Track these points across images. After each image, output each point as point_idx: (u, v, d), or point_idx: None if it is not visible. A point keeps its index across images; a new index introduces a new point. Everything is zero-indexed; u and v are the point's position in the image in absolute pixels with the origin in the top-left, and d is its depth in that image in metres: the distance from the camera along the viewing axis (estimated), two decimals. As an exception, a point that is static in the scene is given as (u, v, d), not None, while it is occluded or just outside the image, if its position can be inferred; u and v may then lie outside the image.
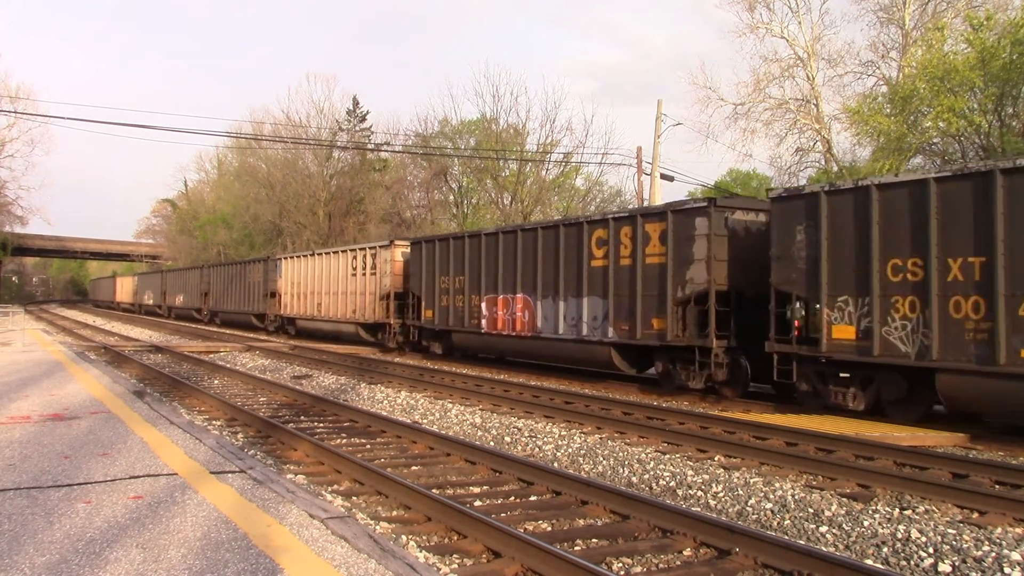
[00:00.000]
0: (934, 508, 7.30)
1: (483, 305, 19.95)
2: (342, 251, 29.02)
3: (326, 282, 29.68)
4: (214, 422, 11.55)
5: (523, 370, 19.96)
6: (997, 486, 8.17)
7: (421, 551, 5.86)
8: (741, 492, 7.91)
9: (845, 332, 11.85)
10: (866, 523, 6.81)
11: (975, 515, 7.09)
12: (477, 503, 7.32)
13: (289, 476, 7.93)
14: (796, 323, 12.90)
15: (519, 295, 18.66)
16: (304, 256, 32.78)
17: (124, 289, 67.17)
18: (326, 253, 30.64)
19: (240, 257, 53.76)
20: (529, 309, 18.29)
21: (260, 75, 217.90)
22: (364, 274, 26.77)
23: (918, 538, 6.40)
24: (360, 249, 27.54)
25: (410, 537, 6.19)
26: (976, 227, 10.37)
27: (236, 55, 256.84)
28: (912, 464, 9.02)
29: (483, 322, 19.98)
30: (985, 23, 23.15)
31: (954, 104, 22.14)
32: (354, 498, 7.43)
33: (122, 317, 55.29)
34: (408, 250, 24.80)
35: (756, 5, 34.20)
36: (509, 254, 19.20)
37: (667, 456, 9.59)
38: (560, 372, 18.85)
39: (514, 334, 18.86)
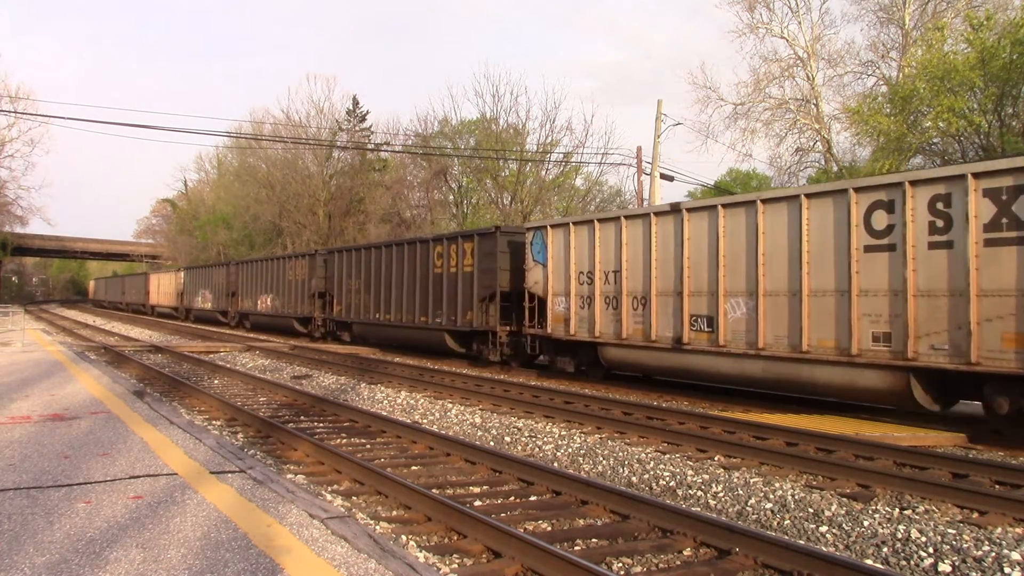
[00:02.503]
0: (934, 508, 7.30)
1: None
2: (814, 194, 12.59)
3: (740, 269, 13.62)
4: (214, 422, 11.55)
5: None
6: (997, 486, 8.17)
7: (421, 551, 5.86)
8: (741, 492, 7.91)
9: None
10: (866, 523, 6.81)
11: (975, 515, 7.09)
12: (477, 503, 7.32)
13: (289, 476, 7.93)
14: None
15: None
16: (631, 218, 16.23)
17: (163, 288, 55.57)
18: (733, 205, 14.05)
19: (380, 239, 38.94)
20: None
21: (260, 75, 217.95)
22: (938, 244, 10.83)
23: (918, 538, 6.40)
24: (919, 183, 11.15)
25: (410, 537, 6.19)
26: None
27: (236, 55, 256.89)
28: (912, 464, 9.02)
29: None
30: (985, 23, 23.16)
31: (954, 104, 22.15)
32: (354, 498, 7.43)
33: (122, 317, 55.07)
34: None
35: (756, 5, 34.26)
36: None
37: (667, 456, 9.59)
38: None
39: None
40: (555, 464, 9.40)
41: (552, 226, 18.32)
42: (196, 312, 47.21)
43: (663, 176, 31.87)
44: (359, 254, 27.89)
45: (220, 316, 42.60)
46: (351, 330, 28.53)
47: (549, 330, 18.08)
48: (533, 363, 20.09)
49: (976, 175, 10.52)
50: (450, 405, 13.66)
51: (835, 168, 31.83)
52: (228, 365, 20.34)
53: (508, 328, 19.89)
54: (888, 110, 25.63)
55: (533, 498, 7.61)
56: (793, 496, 7.67)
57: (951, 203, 10.78)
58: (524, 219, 38.09)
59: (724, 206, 14.11)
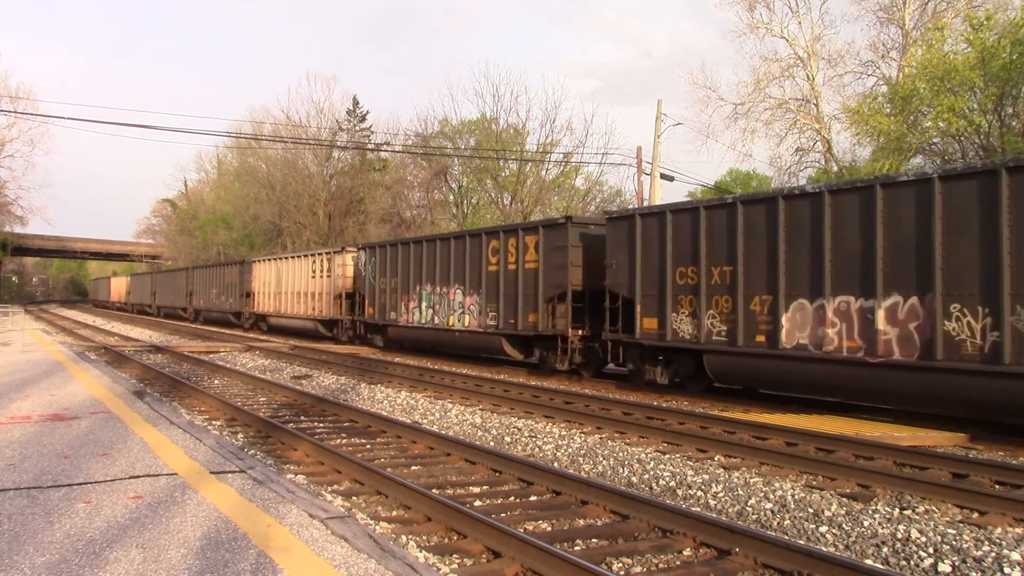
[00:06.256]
0: (934, 508, 7.30)
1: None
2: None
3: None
4: (214, 422, 11.55)
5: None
6: (997, 486, 8.17)
7: (421, 551, 5.86)
8: (741, 492, 7.91)
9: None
10: (866, 523, 6.82)
11: (975, 515, 7.09)
12: (477, 503, 7.32)
13: (289, 476, 7.93)
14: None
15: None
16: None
17: (300, 285, 31.58)
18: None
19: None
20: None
21: (260, 75, 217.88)
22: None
23: (918, 538, 6.40)
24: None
25: (410, 537, 6.19)
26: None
27: (236, 55, 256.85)
28: (912, 464, 9.02)
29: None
30: (985, 23, 23.15)
31: (954, 104, 22.14)
32: (354, 498, 7.43)
33: (121, 316, 54.84)
34: None
35: (756, 5, 34.26)
36: None
37: (667, 456, 9.59)
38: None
39: None
40: (555, 464, 9.40)
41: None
42: (432, 333, 22.96)
43: (663, 176, 31.90)
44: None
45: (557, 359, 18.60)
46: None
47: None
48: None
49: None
50: (450, 405, 13.66)
51: (835, 168, 31.82)
52: (228, 365, 20.34)
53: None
54: (888, 110, 25.63)
55: (533, 498, 7.61)
56: (793, 496, 7.67)
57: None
58: (524, 219, 38.12)
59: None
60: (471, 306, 20.89)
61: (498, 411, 13.07)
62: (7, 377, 13.55)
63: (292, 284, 32.90)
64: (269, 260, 36.21)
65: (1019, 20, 22.21)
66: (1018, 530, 6.67)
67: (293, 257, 33.83)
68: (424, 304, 23.21)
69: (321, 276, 30.39)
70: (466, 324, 21.10)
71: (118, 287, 69.92)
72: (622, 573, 5.70)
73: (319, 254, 31.12)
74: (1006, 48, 21.52)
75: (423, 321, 23.21)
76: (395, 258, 25.09)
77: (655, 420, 11.94)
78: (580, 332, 17.61)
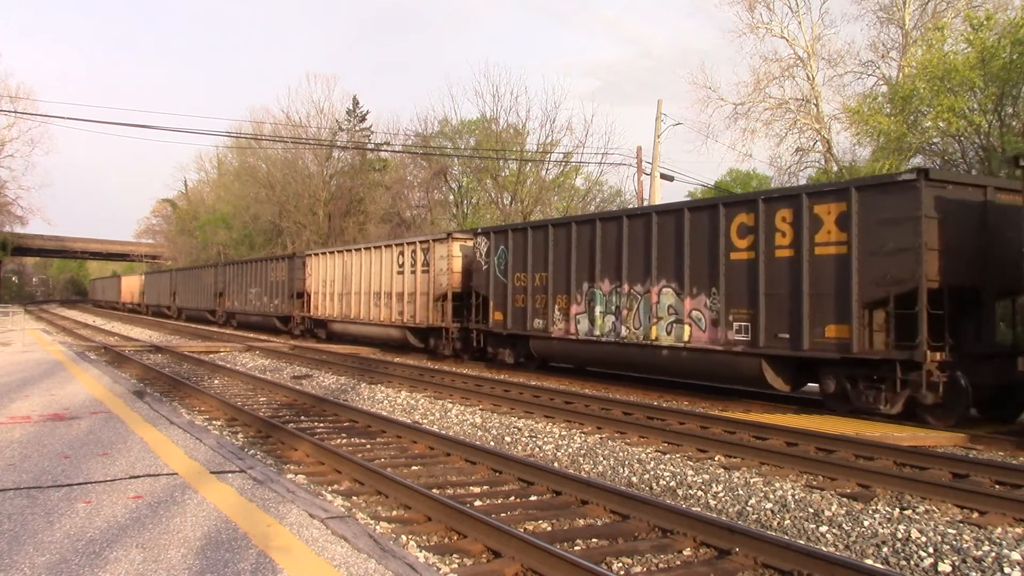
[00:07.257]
0: (934, 508, 7.30)
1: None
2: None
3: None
4: (214, 422, 11.55)
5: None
6: (997, 486, 8.17)
7: (421, 551, 5.86)
8: (741, 492, 7.91)
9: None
10: (866, 523, 6.82)
11: (975, 515, 7.09)
12: (477, 503, 7.32)
13: (289, 476, 7.93)
14: None
15: None
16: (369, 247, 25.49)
17: (399, 282, 24.91)
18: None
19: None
20: None
21: (260, 75, 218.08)
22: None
23: (918, 538, 6.40)
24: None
25: (410, 537, 6.19)
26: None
27: (236, 55, 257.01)
28: (912, 464, 9.02)
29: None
30: (985, 23, 23.14)
31: (954, 104, 22.13)
32: (354, 498, 7.43)
33: (121, 317, 54.86)
34: None
35: (756, 5, 34.18)
36: None
37: (667, 456, 9.59)
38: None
39: None
40: (555, 464, 9.39)
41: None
42: None
43: (663, 176, 31.92)
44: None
45: None
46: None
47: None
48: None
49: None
50: (450, 405, 13.66)
51: (835, 168, 31.80)
52: (228, 365, 20.34)
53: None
54: (888, 110, 25.61)
55: (533, 498, 7.61)
56: (793, 496, 7.67)
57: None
58: (524, 219, 38.12)
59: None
60: (693, 312, 14.60)
61: (498, 411, 13.07)
62: (7, 377, 13.56)
63: (367, 282, 26.78)
64: (332, 253, 30.15)
65: (1019, 20, 22.20)
66: (1018, 530, 6.67)
67: (369, 248, 27.37)
68: (598, 308, 16.92)
69: (413, 271, 24.09)
70: (686, 338, 14.74)
71: (129, 286, 63.63)
72: (622, 573, 5.70)
73: (410, 243, 24.92)
74: (1006, 48, 21.51)
75: (597, 332, 16.91)
76: (541, 246, 18.65)
77: (655, 420, 11.93)
78: (939, 356, 11.36)
